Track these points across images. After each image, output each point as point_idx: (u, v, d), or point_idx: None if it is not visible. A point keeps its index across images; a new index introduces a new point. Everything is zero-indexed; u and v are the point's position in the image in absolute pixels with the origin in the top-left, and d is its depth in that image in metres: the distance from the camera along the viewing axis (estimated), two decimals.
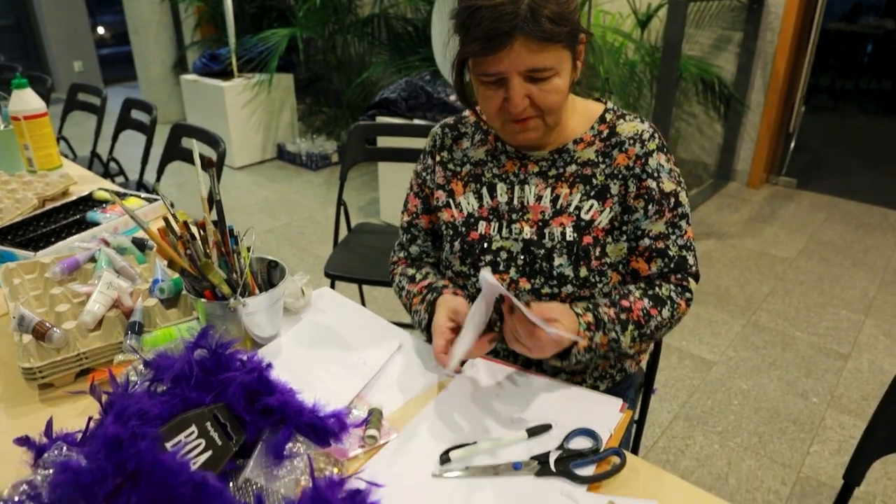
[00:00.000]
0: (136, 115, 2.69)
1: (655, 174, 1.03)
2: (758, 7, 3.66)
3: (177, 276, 1.15)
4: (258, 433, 0.79)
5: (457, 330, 0.97)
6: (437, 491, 0.79)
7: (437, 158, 1.16)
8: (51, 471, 0.67)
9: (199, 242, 0.99)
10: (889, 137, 5.38)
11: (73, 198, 1.67)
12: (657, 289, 1.03)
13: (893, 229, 3.56)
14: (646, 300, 1.01)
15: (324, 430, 0.81)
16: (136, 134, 2.69)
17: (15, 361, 1.01)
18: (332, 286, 1.95)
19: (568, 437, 0.87)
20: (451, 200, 1.13)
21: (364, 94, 4.84)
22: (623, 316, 0.99)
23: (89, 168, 2.51)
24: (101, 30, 7.81)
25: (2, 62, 4.63)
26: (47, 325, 0.99)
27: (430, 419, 0.92)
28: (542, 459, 0.83)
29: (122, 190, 1.77)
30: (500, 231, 1.08)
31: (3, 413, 0.94)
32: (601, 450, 0.84)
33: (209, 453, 0.75)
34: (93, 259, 1.26)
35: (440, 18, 2.97)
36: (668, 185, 1.04)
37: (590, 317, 0.97)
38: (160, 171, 2.42)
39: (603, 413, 0.92)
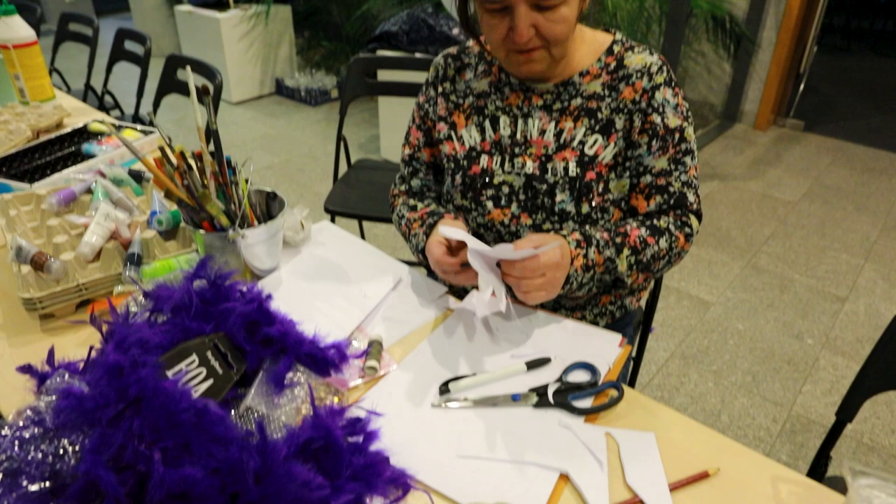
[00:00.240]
0: (130, 46, 2.62)
1: (661, 109, 1.00)
2: None
3: (175, 208, 1.14)
4: (259, 363, 0.79)
5: (449, 247, 0.98)
6: (436, 421, 0.81)
7: (440, 90, 1.13)
8: (54, 397, 0.68)
9: (196, 173, 0.98)
10: None
11: (68, 130, 1.64)
12: (655, 220, 1.01)
13: None
14: (643, 229, 0.99)
15: (324, 360, 0.81)
16: (130, 67, 2.62)
17: (15, 292, 1.01)
18: (333, 222, 1.94)
19: (567, 371, 0.87)
20: (452, 133, 1.11)
21: (364, 28, 4.70)
22: (618, 240, 0.97)
23: (83, 101, 2.46)
24: None
25: None
26: (46, 255, 0.98)
27: (429, 351, 0.92)
28: (540, 391, 0.84)
29: (117, 122, 1.74)
30: (502, 165, 1.06)
31: (6, 342, 0.94)
32: (599, 383, 0.85)
33: (210, 382, 0.75)
34: (89, 191, 1.25)
35: None
36: (674, 121, 1.01)
37: (577, 235, 0.95)
38: (156, 104, 2.37)
39: (602, 347, 0.93)
